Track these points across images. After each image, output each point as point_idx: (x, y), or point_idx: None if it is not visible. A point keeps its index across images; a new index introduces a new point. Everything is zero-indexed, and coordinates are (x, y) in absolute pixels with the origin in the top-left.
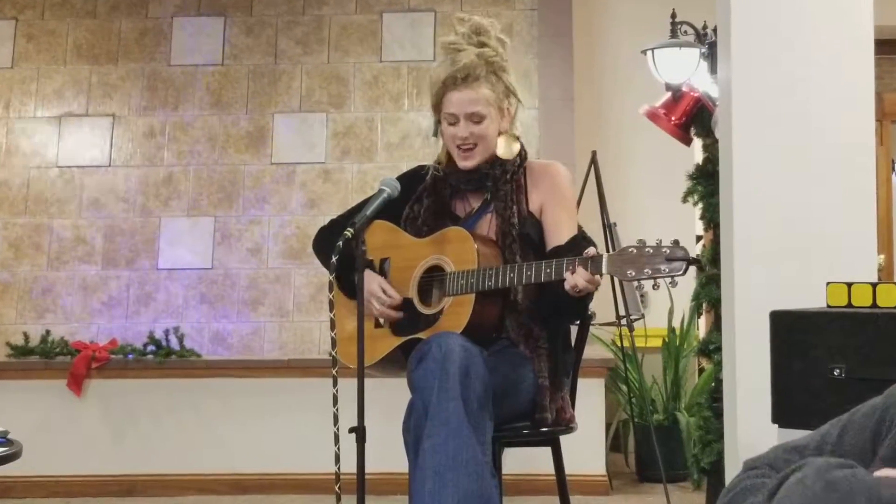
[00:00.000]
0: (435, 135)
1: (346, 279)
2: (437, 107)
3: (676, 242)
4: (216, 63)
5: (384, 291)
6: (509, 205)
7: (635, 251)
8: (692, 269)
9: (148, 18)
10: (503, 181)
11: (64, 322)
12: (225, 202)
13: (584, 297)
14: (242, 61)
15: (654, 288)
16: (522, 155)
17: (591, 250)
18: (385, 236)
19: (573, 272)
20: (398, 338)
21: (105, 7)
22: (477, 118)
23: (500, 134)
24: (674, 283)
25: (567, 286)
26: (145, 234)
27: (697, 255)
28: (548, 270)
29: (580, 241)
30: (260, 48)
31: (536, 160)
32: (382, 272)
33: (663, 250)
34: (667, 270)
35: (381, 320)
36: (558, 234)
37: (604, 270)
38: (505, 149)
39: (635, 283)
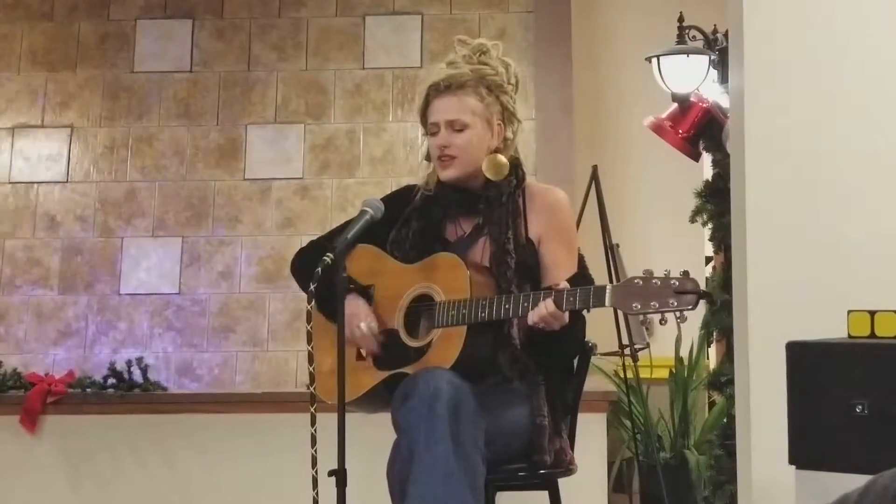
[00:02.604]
0: (428, 158)
1: (328, 306)
2: (424, 121)
3: (686, 274)
4: (184, 70)
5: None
6: (504, 229)
7: (641, 283)
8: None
9: (109, 21)
10: (498, 203)
11: (16, 352)
12: (193, 221)
13: (573, 332)
14: (213, 68)
15: (661, 323)
16: (520, 176)
17: (562, 284)
18: (369, 262)
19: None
20: (382, 372)
21: (63, 9)
22: (459, 126)
23: (490, 152)
24: (683, 319)
25: (530, 320)
26: (106, 256)
27: (707, 280)
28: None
29: (580, 280)
30: (232, 54)
31: (535, 183)
32: (369, 296)
33: (672, 282)
34: (675, 304)
35: (364, 352)
36: (556, 273)
37: (606, 303)
38: (491, 168)
39: (641, 317)
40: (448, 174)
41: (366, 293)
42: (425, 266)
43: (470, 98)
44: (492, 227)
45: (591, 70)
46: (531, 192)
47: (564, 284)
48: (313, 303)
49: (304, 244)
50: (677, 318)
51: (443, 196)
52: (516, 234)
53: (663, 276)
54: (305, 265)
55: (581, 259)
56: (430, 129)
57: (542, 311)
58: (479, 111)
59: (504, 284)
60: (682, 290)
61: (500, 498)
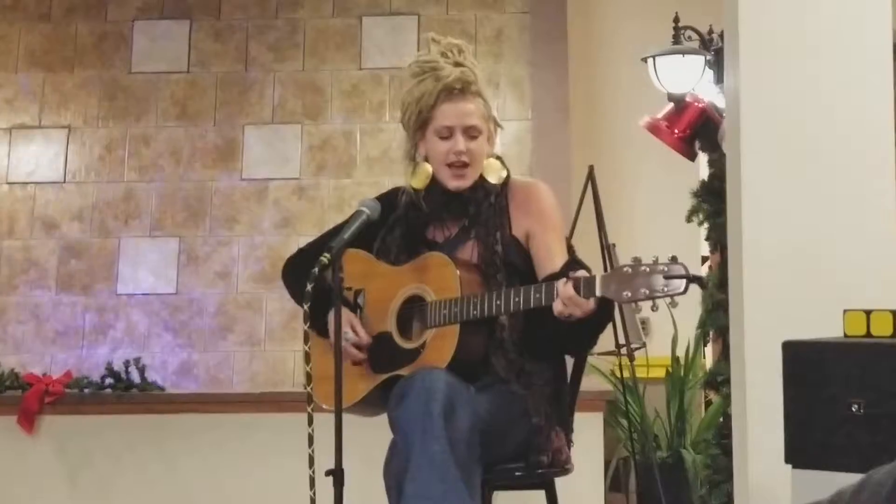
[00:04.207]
0: (413, 159)
1: (317, 315)
2: (423, 124)
3: (674, 259)
4: (181, 71)
5: (352, 328)
6: (492, 230)
7: (630, 270)
8: (697, 292)
9: (107, 22)
10: (487, 204)
11: (14, 352)
12: (190, 222)
13: (594, 325)
14: (210, 69)
15: (652, 309)
16: (505, 175)
17: (581, 272)
18: (360, 266)
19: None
20: (378, 376)
21: (60, 10)
22: (474, 132)
23: (487, 157)
24: (674, 304)
25: (556, 309)
26: (103, 257)
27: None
28: (537, 295)
29: (574, 265)
30: (229, 54)
31: (516, 179)
32: (356, 304)
33: (661, 268)
34: (665, 290)
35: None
36: (551, 261)
37: (597, 292)
38: (493, 173)
39: (633, 306)
40: (462, 184)
41: (348, 303)
42: (415, 267)
43: (479, 101)
44: (479, 227)
45: (587, 70)
46: (514, 189)
47: (582, 272)
48: (310, 304)
49: (301, 244)
50: (668, 303)
51: (430, 201)
52: (503, 235)
53: (652, 262)
54: (298, 271)
55: (570, 246)
56: (441, 133)
57: (569, 292)
58: (486, 115)
59: (494, 285)
60: (671, 275)
61: (496, 498)
